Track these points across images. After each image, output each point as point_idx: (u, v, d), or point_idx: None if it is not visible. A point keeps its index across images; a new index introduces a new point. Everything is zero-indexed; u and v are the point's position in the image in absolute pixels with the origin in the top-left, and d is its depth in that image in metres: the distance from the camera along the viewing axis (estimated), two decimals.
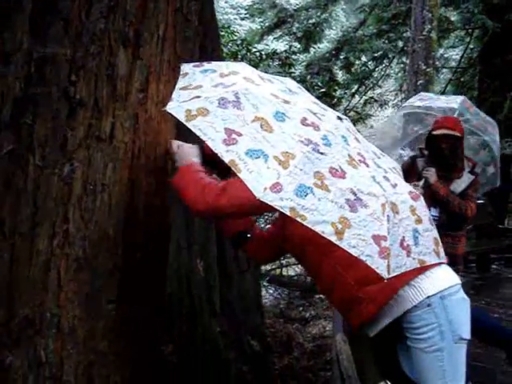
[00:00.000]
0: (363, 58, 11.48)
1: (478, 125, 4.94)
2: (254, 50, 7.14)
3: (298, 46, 11.76)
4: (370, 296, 2.08)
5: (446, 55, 12.92)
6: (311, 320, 7.23)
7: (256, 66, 6.86)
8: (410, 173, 4.19)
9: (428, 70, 8.58)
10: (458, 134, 4.03)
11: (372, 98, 11.14)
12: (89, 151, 2.10)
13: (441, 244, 2.09)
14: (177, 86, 2.05)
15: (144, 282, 2.30)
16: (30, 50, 2.00)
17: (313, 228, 1.73)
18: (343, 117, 2.13)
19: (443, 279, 2.13)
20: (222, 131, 1.83)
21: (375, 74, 11.72)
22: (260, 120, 1.88)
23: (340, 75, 11.79)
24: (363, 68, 11.34)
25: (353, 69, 11.34)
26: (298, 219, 1.72)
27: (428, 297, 2.08)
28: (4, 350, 2.07)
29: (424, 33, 8.58)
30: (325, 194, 1.78)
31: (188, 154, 2.17)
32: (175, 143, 2.22)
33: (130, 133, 2.17)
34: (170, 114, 2.00)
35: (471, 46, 11.76)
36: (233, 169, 1.77)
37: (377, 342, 2.17)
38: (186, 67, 2.16)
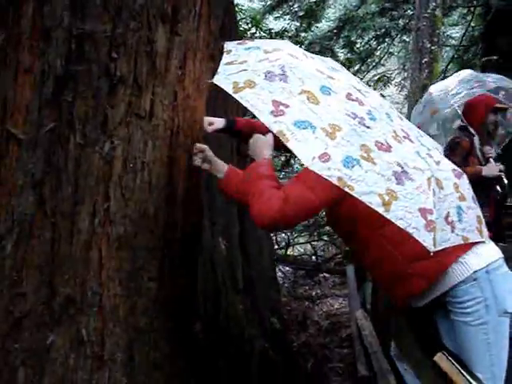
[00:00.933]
0: (365, 37, 11.40)
1: None
2: (264, 28, 7.08)
3: (298, 25, 11.66)
4: (419, 272, 2.09)
5: (446, 33, 12.85)
6: (318, 299, 7.27)
7: None
8: (470, 153, 4.24)
9: (433, 47, 8.54)
10: None
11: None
12: (129, 129, 2.09)
13: (483, 222, 2.10)
14: (222, 62, 2.04)
15: (182, 261, 2.31)
16: (70, 27, 1.97)
17: (360, 198, 1.74)
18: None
19: (488, 254, 2.14)
20: (269, 103, 1.84)
21: (377, 53, 11.66)
22: (306, 93, 1.89)
23: (342, 54, 11.72)
24: (366, 47, 11.28)
25: (355, 47, 11.27)
26: (346, 189, 1.73)
27: (474, 272, 2.10)
28: (45, 329, 2.08)
29: (429, 10, 8.53)
30: (371, 166, 1.79)
31: (262, 146, 2.17)
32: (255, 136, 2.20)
33: (168, 110, 2.16)
34: (204, 90, 2.02)
35: (473, 24, 11.69)
36: (281, 139, 1.78)
37: (415, 316, 2.19)
38: (229, 45, 2.16)
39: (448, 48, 11.81)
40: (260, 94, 1.86)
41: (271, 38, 6.90)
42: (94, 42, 2.00)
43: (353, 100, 1.94)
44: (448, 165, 2.10)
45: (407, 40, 11.96)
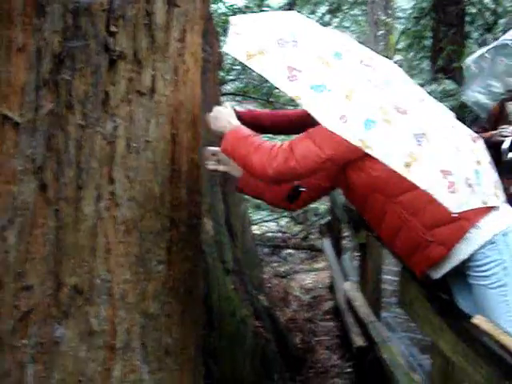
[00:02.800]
0: (319, 12, 11.39)
1: None
2: (228, 4, 6.97)
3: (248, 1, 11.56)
4: (438, 238, 2.08)
5: (395, 6, 12.98)
6: (288, 275, 7.30)
7: (227, 21, 6.69)
8: (499, 118, 4.01)
9: (388, 20, 8.62)
10: None
11: None
12: (130, 107, 1.99)
13: (501, 188, 2.10)
14: (230, 32, 1.97)
15: (189, 241, 2.24)
16: (66, 1, 1.85)
17: (381, 160, 1.73)
18: None
19: (505, 217, 2.15)
20: (284, 69, 1.82)
21: (331, 27, 11.68)
22: (320, 58, 1.86)
23: None
24: (320, 21, 11.28)
25: None
26: (368, 150, 1.73)
27: (493, 235, 2.10)
28: (54, 322, 1.99)
29: None
30: (391, 128, 1.78)
31: (228, 115, 2.14)
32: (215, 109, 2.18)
33: (170, 86, 2.07)
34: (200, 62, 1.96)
35: None
36: (299, 103, 1.77)
37: (429, 284, 2.19)
38: (234, 19, 2.09)
39: (399, 20, 11.94)
40: (274, 61, 1.84)
41: (234, 13, 6.80)
42: (90, 16, 1.88)
43: (366, 65, 1.92)
44: (464, 129, 2.10)
45: (358, 13, 12.04)
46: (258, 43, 1.89)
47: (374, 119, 1.75)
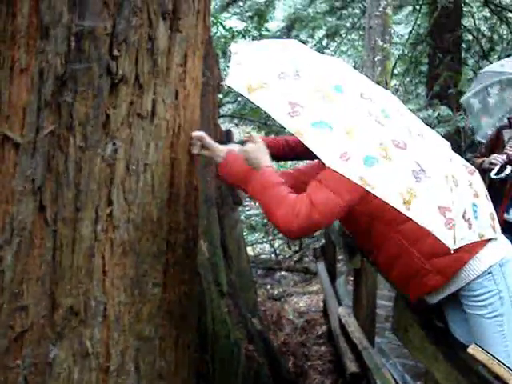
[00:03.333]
0: (316, 37, 11.49)
1: None
2: (227, 26, 7.02)
3: (247, 25, 11.66)
4: (437, 268, 2.09)
5: (392, 31, 13.10)
6: (282, 297, 7.27)
7: (227, 43, 6.76)
8: (495, 145, 3.97)
9: (385, 45, 8.68)
10: None
11: None
12: (131, 130, 2.00)
13: (496, 219, 2.12)
14: (232, 62, 1.98)
15: (185, 265, 2.24)
16: (69, 23, 1.87)
17: (382, 197, 1.73)
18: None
19: (501, 248, 2.17)
20: (285, 104, 1.80)
21: (328, 52, 11.78)
22: (321, 92, 1.86)
23: None
24: (318, 45, 11.38)
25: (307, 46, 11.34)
26: (368, 188, 1.72)
27: (490, 266, 2.12)
28: (48, 343, 1.98)
29: (380, 9, 8.67)
30: (390, 165, 1.78)
31: (260, 153, 2.09)
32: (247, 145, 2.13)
33: (171, 110, 2.08)
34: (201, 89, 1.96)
35: (418, 22, 11.98)
36: (300, 139, 1.76)
37: (424, 311, 2.20)
38: (236, 46, 2.09)
39: (396, 46, 12.05)
40: (275, 95, 1.83)
41: (233, 37, 6.86)
42: (94, 40, 1.90)
43: (365, 99, 1.93)
44: (460, 161, 2.12)
45: (356, 38, 12.15)
46: (259, 76, 1.88)
47: (374, 156, 1.76)
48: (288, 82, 1.86)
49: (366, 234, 2.20)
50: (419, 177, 1.80)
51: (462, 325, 2.24)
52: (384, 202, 1.72)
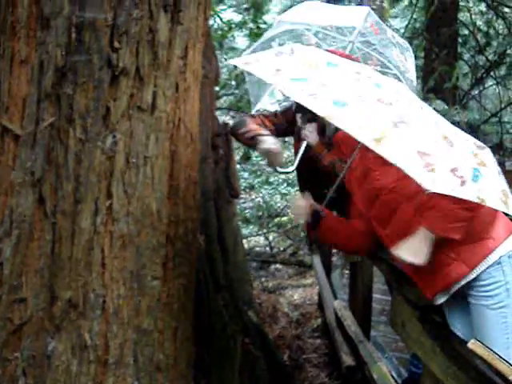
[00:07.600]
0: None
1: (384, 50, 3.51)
2: (224, 19, 6.99)
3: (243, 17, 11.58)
4: (462, 257, 2.07)
5: (388, 25, 13.08)
6: (276, 290, 7.27)
7: (224, 36, 6.74)
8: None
9: None
10: None
11: None
12: (131, 122, 2.00)
13: (510, 197, 2.02)
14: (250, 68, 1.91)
15: (184, 258, 2.24)
16: (70, 15, 1.86)
17: (351, 133, 1.68)
18: None
19: (510, 239, 2.16)
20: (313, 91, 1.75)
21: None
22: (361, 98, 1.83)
23: None
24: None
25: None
26: (334, 121, 1.73)
27: (500, 256, 2.11)
28: (46, 335, 1.98)
29: (377, 2, 8.67)
30: (363, 107, 1.76)
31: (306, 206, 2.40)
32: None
33: (171, 102, 2.07)
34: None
35: (415, 17, 11.95)
36: (329, 121, 1.72)
37: (421, 306, 2.19)
38: (236, 62, 2.02)
39: None
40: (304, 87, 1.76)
41: (230, 29, 6.82)
42: (94, 31, 1.89)
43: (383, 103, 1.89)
44: (467, 137, 2.04)
45: None
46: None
47: (344, 101, 1.73)
48: (321, 72, 1.85)
49: (393, 220, 2.19)
50: (398, 126, 1.76)
51: (461, 318, 2.23)
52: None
